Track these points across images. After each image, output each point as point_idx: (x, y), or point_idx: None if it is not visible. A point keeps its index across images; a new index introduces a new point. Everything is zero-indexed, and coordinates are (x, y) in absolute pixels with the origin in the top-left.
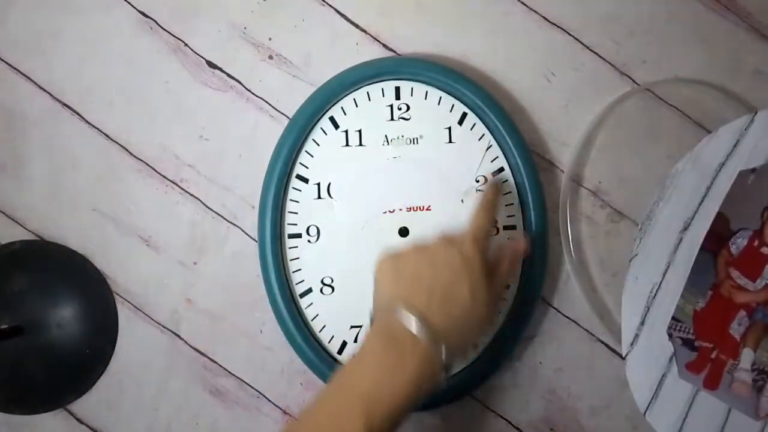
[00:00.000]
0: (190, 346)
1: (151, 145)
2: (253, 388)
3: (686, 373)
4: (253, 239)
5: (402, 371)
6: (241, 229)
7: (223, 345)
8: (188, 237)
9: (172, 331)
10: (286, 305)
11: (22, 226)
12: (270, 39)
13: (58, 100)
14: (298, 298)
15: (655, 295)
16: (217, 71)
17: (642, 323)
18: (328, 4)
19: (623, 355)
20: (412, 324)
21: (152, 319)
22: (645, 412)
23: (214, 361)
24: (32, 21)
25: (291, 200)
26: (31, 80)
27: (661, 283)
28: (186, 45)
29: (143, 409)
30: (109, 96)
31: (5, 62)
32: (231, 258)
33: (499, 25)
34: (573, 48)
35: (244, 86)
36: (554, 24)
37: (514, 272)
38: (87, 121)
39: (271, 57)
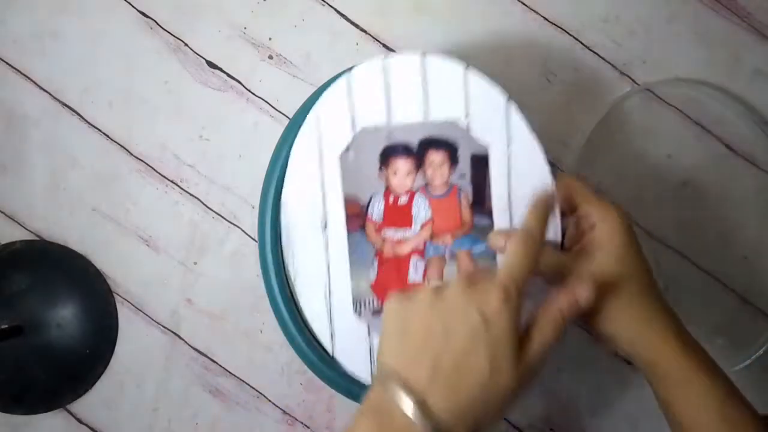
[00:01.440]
0: (190, 346)
1: (151, 145)
2: (253, 388)
3: None
4: (253, 239)
5: None
6: (241, 229)
7: (223, 345)
8: (188, 237)
9: (172, 331)
10: (286, 305)
11: (22, 226)
12: (270, 39)
13: (58, 100)
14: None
15: (330, 293)
16: (217, 71)
17: (330, 321)
18: (328, 4)
19: (331, 354)
20: (409, 408)
21: (152, 319)
22: None
23: (214, 361)
24: (32, 21)
25: None
26: (31, 80)
27: (329, 281)
28: (186, 45)
29: (143, 409)
30: (109, 96)
31: (5, 62)
32: (231, 258)
33: (499, 25)
34: (573, 48)
35: (244, 86)
36: (554, 24)
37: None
38: (87, 121)
39: (271, 57)
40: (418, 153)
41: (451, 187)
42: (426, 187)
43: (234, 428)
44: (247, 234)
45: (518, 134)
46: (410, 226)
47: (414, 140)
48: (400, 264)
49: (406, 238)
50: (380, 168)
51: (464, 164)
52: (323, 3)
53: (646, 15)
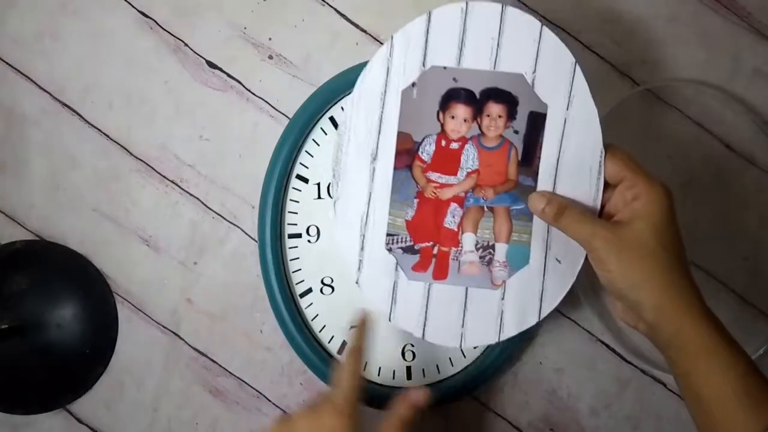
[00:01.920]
0: (190, 346)
1: (151, 145)
2: (253, 388)
3: (414, 274)
4: (253, 239)
5: None
6: (241, 229)
7: (223, 345)
8: (188, 237)
9: (172, 331)
10: (286, 305)
11: (22, 226)
12: (270, 39)
13: (58, 100)
14: (298, 298)
15: (366, 222)
16: (217, 71)
17: (362, 249)
18: (328, 4)
19: (356, 281)
20: None
21: (152, 319)
22: (389, 319)
23: (214, 361)
24: (32, 21)
25: (291, 200)
26: (31, 80)
27: (368, 211)
28: (186, 45)
29: (143, 409)
30: (109, 96)
31: (5, 62)
32: (231, 258)
33: None
34: (573, 48)
35: (244, 86)
36: (554, 24)
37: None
38: (87, 121)
39: (271, 57)
40: (479, 102)
41: (503, 141)
42: (479, 137)
43: (234, 428)
44: (247, 234)
45: (579, 99)
46: (456, 174)
47: (477, 88)
48: (439, 208)
49: (450, 184)
50: (439, 110)
51: (521, 121)
52: (323, 3)
53: (646, 15)
